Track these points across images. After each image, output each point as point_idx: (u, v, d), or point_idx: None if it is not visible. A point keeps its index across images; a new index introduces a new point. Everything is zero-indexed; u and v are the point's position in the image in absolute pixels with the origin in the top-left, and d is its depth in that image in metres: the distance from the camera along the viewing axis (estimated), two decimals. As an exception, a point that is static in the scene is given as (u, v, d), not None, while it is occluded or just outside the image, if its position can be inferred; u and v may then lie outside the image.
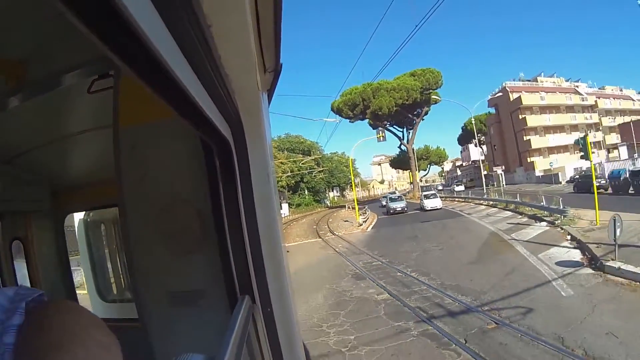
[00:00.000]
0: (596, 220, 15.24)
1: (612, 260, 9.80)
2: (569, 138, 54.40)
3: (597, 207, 15.04)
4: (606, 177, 31.45)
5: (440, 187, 67.56)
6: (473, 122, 47.45)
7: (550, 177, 47.90)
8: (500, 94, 60.21)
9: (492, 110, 68.34)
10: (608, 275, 9.43)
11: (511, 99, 60.39)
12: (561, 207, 18.50)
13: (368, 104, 52.91)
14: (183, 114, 0.94)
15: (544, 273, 10.54)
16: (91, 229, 3.65)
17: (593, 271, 10.01)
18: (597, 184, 22.12)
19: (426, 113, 55.72)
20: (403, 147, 63.70)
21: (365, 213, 38.93)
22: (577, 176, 35.79)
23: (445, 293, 10.05)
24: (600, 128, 61.37)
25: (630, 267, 9.02)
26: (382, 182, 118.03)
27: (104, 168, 2.08)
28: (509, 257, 13.17)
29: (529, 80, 64.89)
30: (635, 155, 40.65)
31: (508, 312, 8.10)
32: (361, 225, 31.82)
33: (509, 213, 25.15)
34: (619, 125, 56.56)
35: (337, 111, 53.74)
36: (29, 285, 2.89)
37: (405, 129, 61.09)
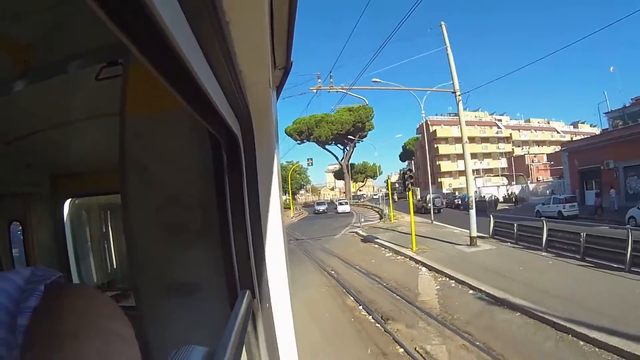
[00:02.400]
0: (390, 217, 36.33)
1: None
2: (481, 164, 74.09)
3: (412, 211, 21.16)
4: (461, 199, 44.53)
5: (376, 196, 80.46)
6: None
7: (451, 195, 60.45)
8: (424, 124, 71.87)
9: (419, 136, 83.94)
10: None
11: (431, 131, 75.56)
12: (385, 210, 41.20)
13: (312, 132, 72.10)
14: (194, 106, 0.94)
15: (358, 224, 32.55)
16: (91, 215, 3.64)
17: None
18: (457, 203, 44.39)
19: (362, 137, 71.31)
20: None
21: (301, 211, 59.24)
22: (457, 199, 47.68)
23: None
24: (500, 157, 77.10)
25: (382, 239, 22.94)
26: (332, 189, 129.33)
27: (108, 155, 2.08)
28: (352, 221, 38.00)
29: (455, 114, 69.13)
30: (513, 182, 55.68)
31: (339, 241, 25.28)
32: (292, 217, 50.19)
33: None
34: (507, 158, 73.35)
35: (289, 135, 72.49)
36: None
37: (345, 148, 78.81)
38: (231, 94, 1.16)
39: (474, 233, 17.95)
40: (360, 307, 10.86)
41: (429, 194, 37.76)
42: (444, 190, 66.54)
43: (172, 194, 1.76)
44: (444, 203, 46.80)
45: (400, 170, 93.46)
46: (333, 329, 9.31)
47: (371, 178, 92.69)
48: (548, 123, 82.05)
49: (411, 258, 16.94)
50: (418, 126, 77.87)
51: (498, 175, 68.16)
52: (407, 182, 22.11)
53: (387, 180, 55.99)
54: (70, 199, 3.32)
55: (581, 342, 7.36)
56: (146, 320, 1.83)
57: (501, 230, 19.69)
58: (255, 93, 1.31)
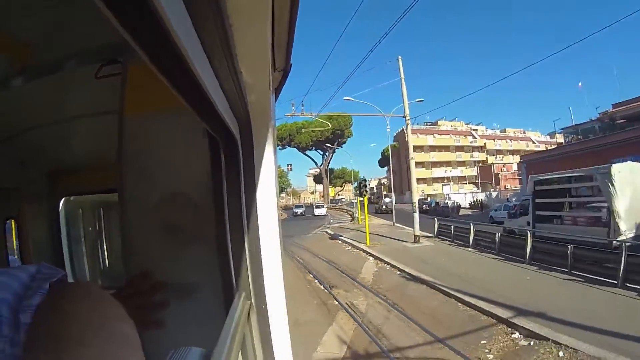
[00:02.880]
0: (358, 220, 37.66)
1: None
2: (453, 172, 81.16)
3: (367, 213, 27.98)
4: (428, 204, 50.24)
5: (354, 200, 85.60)
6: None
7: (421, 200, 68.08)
8: (401, 132, 78.54)
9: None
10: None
11: (406, 139, 72.89)
12: (355, 212, 44.58)
13: (292, 138, 76.57)
14: (195, 107, 0.95)
15: (329, 221, 44.51)
16: (87, 214, 3.63)
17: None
18: (425, 208, 46.36)
19: (341, 144, 76.67)
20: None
21: (280, 214, 63.69)
22: (426, 205, 51.83)
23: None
24: (473, 165, 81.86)
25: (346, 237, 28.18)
26: (312, 192, 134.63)
27: (105, 154, 2.07)
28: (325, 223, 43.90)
29: (432, 123, 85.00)
30: (477, 189, 61.19)
31: (311, 239, 30.69)
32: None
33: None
34: (477, 167, 77.96)
35: (270, 141, 78.64)
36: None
37: (325, 154, 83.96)
38: (231, 95, 1.16)
39: (417, 232, 22.95)
40: (316, 281, 16.04)
41: (382, 199, 48.86)
42: (418, 196, 67.23)
43: (170, 194, 1.76)
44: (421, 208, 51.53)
45: (381, 177, 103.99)
46: (296, 292, 14.14)
47: (349, 183, 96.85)
48: (524, 133, 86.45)
49: (364, 251, 22.21)
50: (395, 134, 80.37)
51: (471, 183, 73.05)
52: (362, 190, 28.36)
53: (355, 187, 60.40)
54: (66, 197, 3.31)
55: (459, 304, 11.33)
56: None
57: (443, 231, 23.93)
58: (255, 95, 1.31)
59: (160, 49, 0.62)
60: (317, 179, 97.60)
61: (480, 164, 77.64)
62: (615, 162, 18.56)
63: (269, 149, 1.47)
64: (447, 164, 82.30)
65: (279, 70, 1.45)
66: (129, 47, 1.64)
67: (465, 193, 60.62)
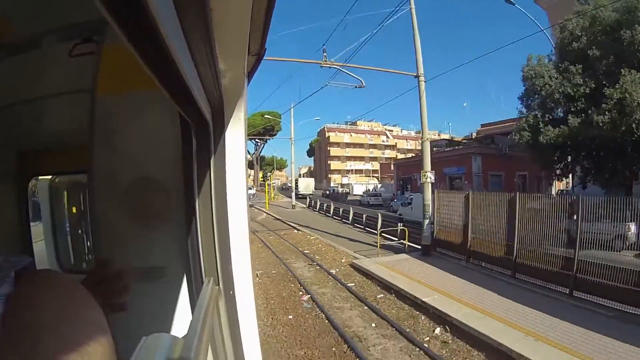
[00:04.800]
0: (272, 198, 55.35)
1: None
2: (365, 166, 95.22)
3: (271, 193, 53.17)
4: (329, 190, 66.17)
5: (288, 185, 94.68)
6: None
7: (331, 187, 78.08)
8: (322, 130, 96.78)
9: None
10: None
11: (327, 135, 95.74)
12: (272, 194, 57.16)
13: None
14: (170, 89, 0.94)
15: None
16: (55, 195, 3.55)
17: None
18: (327, 193, 63.80)
19: (272, 136, 79.75)
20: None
21: None
22: (328, 191, 66.82)
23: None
24: (384, 161, 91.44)
25: (257, 205, 46.22)
26: (248, 176, 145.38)
27: (76, 134, 2.03)
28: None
29: (352, 122, 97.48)
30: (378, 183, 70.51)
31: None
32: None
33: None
34: (379, 163, 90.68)
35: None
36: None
37: (257, 144, 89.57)
38: (206, 79, 1.15)
39: (294, 203, 44.31)
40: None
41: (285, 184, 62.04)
42: (332, 184, 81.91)
43: (140, 177, 1.74)
44: (322, 194, 65.44)
45: (310, 165, 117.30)
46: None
47: (278, 170, 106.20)
48: (439, 135, 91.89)
49: (262, 210, 40.58)
50: (319, 130, 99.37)
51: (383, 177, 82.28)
52: (265, 179, 40.41)
53: (263, 175, 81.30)
54: (35, 178, 3.24)
55: (285, 224, 28.89)
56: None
57: (312, 205, 42.26)
58: (229, 79, 1.30)
59: (140, 29, 0.62)
60: (250, 166, 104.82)
61: (382, 161, 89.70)
62: (445, 170, 37.25)
63: (240, 134, 1.47)
64: (361, 159, 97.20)
65: (252, 55, 1.44)
66: (105, 25, 1.62)
67: (367, 184, 71.50)
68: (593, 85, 17.06)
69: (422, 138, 18.15)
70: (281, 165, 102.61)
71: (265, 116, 63.39)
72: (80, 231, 3.67)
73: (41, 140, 2.87)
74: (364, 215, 25.60)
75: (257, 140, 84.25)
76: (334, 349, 7.51)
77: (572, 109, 17.61)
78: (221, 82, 1.27)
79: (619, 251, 9.00)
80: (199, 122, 1.33)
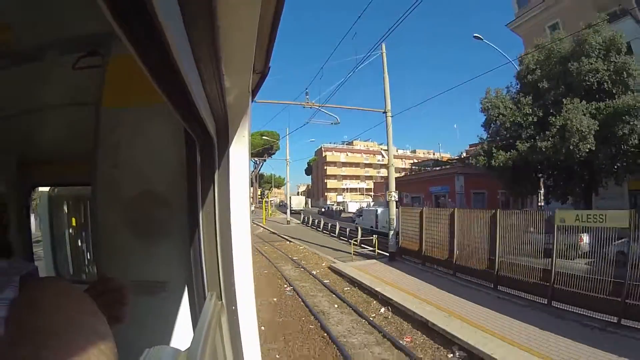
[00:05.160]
0: (269, 214, 60.03)
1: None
2: (362, 184, 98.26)
3: (269, 209, 58.70)
4: (325, 208, 70.49)
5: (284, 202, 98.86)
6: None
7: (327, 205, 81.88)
8: (319, 149, 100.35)
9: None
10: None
11: (323, 155, 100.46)
12: (287, 216, 51.49)
13: None
14: (176, 104, 0.94)
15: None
16: (56, 205, 3.54)
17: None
18: (322, 211, 67.73)
19: (270, 155, 79.39)
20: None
21: None
22: (324, 208, 71.34)
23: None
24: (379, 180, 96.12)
25: (255, 220, 46.22)
26: None
27: (80, 146, 2.03)
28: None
29: (348, 142, 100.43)
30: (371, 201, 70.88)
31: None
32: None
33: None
34: (372, 182, 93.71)
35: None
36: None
37: (256, 163, 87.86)
38: (212, 95, 1.16)
39: (289, 219, 47.33)
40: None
41: (283, 202, 66.86)
42: (328, 202, 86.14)
43: (143, 190, 1.74)
44: (318, 211, 69.78)
45: (308, 184, 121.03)
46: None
47: (276, 188, 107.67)
48: (433, 154, 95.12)
49: (260, 225, 42.92)
50: (316, 149, 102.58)
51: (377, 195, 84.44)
52: (263, 197, 43.76)
53: (261, 193, 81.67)
54: (37, 188, 3.23)
55: (282, 237, 31.47)
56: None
57: (305, 221, 45.64)
58: (234, 96, 1.31)
59: (149, 42, 0.62)
60: (249, 183, 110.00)
61: (377, 180, 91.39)
62: (431, 189, 40.85)
63: (243, 151, 1.47)
64: (357, 177, 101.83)
65: (257, 73, 1.44)
66: (109, 39, 1.62)
67: (360, 202, 72.20)
68: (541, 114, 18.99)
69: (388, 164, 21.09)
70: (279, 184, 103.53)
71: (264, 137, 65.05)
72: (80, 242, 3.64)
73: (43, 150, 2.86)
74: (347, 229, 29.71)
75: (256, 159, 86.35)
76: (303, 319, 10.53)
77: (522, 136, 19.54)
78: (226, 100, 1.28)
79: (573, 259, 10.42)
80: (203, 138, 1.33)
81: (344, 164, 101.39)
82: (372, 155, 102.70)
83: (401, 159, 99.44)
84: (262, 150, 75.48)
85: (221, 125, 1.39)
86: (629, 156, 16.84)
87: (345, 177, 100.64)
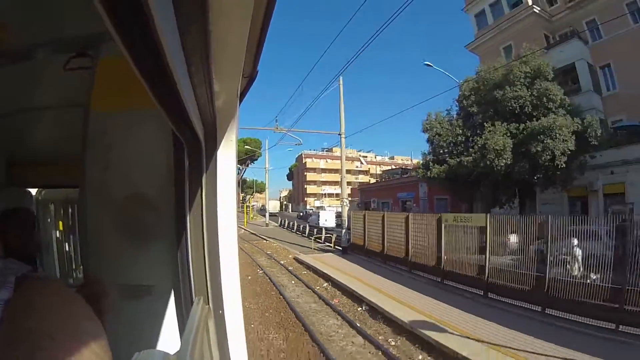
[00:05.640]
0: (251, 218, 58.40)
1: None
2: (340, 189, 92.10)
3: (250, 214, 58.92)
4: (303, 212, 71.38)
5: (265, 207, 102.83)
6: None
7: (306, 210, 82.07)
8: (300, 156, 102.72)
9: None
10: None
11: (304, 161, 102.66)
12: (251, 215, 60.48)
13: None
14: (166, 107, 0.94)
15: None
16: (46, 208, 3.50)
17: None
18: (300, 214, 65.58)
19: (253, 161, 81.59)
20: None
21: None
22: (302, 213, 70.78)
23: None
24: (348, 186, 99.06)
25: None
26: None
27: (70, 148, 2.01)
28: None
29: (328, 149, 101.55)
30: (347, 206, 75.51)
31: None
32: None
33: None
34: (351, 188, 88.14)
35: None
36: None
37: (239, 169, 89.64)
38: (202, 99, 1.16)
39: (267, 222, 50.07)
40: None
41: (264, 206, 67.47)
42: (307, 207, 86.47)
43: (131, 193, 1.73)
44: (297, 215, 70.62)
45: (290, 189, 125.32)
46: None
47: (258, 193, 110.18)
48: (411, 160, 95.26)
49: (241, 227, 40.74)
50: (297, 156, 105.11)
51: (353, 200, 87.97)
52: (244, 202, 43.57)
53: (242, 198, 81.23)
54: (25, 190, 3.20)
55: (259, 237, 34.18)
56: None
57: (282, 224, 47.85)
58: (222, 100, 1.30)
59: (143, 44, 0.62)
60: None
61: (354, 185, 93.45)
62: (399, 195, 44.29)
63: (231, 155, 1.47)
64: (336, 183, 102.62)
65: (245, 77, 1.44)
66: (99, 40, 1.61)
67: (337, 207, 76.58)
68: (469, 134, 23.21)
69: (340, 178, 26.29)
70: (261, 189, 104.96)
71: (247, 147, 67.26)
72: (67, 245, 3.61)
73: (33, 152, 2.84)
74: (314, 230, 34.16)
75: (239, 165, 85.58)
76: (268, 289, 14.71)
77: (454, 152, 23.72)
78: (215, 103, 1.27)
79: (502, 255, 11.98)
80: (192, 141, 1.33)
81: (324, 170, 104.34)
82: (351, 161, 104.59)
83: (379, 165, 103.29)
84: (244, 156, 76.40)
85: (209, 129, 1.39)
86: (547, 169, 19.74)
87: (324, 182, 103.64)
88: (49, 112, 2.44)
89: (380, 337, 9.07)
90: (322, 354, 8.08)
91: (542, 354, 7.18)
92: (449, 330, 8.57)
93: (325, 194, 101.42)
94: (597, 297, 8.82)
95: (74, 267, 3.51)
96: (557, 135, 18.83)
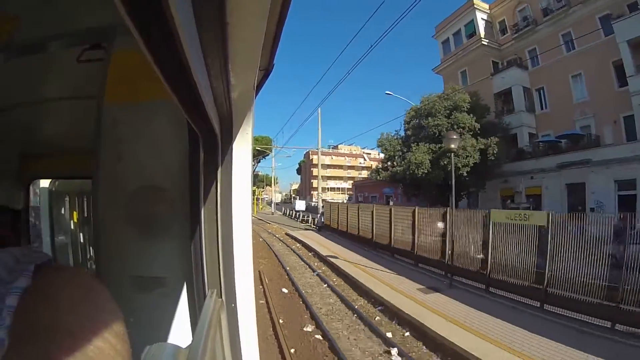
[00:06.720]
0: (260, 208, 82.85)
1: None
2: (345, 184, 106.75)
3: (259, 205, 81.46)
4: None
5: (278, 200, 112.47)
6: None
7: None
8: (307, 153, 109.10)
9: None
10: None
11: (310, 158, 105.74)
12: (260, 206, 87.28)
13: None
14: (182, 99, 0.94)
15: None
16: (59, 199, 3.52)
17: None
18: (307, 206, 68.52)
19: (265, 156, 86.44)
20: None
21: None
22: (293, 203, 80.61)
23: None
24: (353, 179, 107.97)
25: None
26: None
27: (82, 140, 2.01)
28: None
29: (334, 146, 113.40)
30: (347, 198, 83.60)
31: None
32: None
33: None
34: (351, 182, 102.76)
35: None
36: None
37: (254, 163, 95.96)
38: (218, 91, 1.15)
39: (273, 211, 70.07)
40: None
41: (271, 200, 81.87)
42: (313, 200, 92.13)
43: (145, 185, 1.73)
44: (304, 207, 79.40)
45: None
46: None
47: (269, 187, 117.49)
48: None
49: (253, 216, 39.39)
50: (305, 152, 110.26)
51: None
52: (255, 195, 49.67)
53: (254, 190, 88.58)
54: (38, 180, 3.22)
55: (266, 222, 46.90)
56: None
57: (286, 212, 60.89)
58: (239, 93, 1.29)
59: (162, 40, 0.62)
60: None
61: (357, 180, 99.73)
62: (384, 190, 52.36)
63: (246, 147, 1.46)
64: (340, 178, 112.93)
65: (261, 69, 1.43)
66: (113, 32, 1.61)
67: (344, 199, 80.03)
68: (405, 150, 31.61)
69: (317, 181, 37.00)
70: (272, 183, 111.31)
71: (257, 148, 70.55)
72: (83, 238, 3.63)
73: (44, 143, 2.85)
74: (308, 216, 46.56)
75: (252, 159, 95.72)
76: (266, 251, 23.18)
77: (394, 164, 33.33)
78: (231, 96, 1.27)
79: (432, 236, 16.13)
80: (208, 134, 1.32)
81: (329, 166, 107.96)
82: (354, 158, 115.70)
83: (380, 162, 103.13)
84: (256, 152, 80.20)
85: (225, 121, 1.38)
86: (457, 177, 24.91)
87: (329, 178, 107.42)
88: (63, 103, 2.44)
89: (309, 260, 19.53)
90: (282, 266, 17.94)
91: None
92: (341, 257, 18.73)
93: (329, 187, 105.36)
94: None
95: (87, 257, 3.54)
96: (461, 152, 26.52)
